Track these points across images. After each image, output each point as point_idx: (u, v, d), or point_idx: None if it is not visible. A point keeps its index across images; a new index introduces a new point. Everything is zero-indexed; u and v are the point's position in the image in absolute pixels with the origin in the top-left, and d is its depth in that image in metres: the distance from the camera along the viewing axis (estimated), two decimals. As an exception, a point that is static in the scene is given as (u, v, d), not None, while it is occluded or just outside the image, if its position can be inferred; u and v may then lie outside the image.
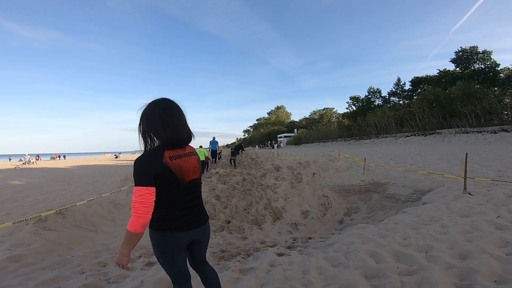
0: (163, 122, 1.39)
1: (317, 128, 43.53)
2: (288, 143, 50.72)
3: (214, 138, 16.92)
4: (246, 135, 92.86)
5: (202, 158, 12.98)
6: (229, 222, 5.88)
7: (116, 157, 50.26)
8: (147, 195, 1.32)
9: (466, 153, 4.64)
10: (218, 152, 16.80)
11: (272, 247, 4.09)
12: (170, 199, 1.42)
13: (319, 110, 67.44)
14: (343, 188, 7.26)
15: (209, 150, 17.06)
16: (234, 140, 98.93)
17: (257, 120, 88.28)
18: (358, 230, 3.43)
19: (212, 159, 16.75)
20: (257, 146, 56.19)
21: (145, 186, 1.31)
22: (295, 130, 56.16)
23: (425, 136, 20.25)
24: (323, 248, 3.37)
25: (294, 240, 4.55)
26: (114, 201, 6.72)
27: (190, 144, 1.59)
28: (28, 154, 30.90)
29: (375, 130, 28.29)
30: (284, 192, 7.08)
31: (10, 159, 41.11)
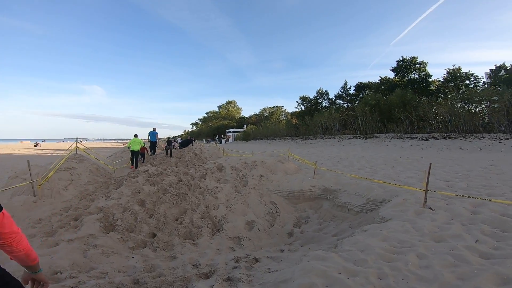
0: None
1: (266, 125, 43.54)
2: (236, 139, 49.85)
3: (154, 129, 15.77)
4: (194, 128, 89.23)
5: (137, 148, 11.95)
6: (154, 235, 4.53)
7: (35, 146, 42.50)
8: None
9: (430, 163, 4.19)
10: (171, 144, 15.79)
11: (206, 277, 2.97)
12: None
13: (269, 107, 68.10)
14: (293, 194, 6.49)
15: (148, 142, 15.64)
16: (181, 132, 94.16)
17: (206, 113, 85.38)
18: (318, 263, 2.51)
19: (151, 151, 15.48)
20: (204, 140, 54.00)
21: None
22: (245, 125, 55.58)
23: (366, 139, 21.40)
24: (273, 287, 2.41)
25: (236, 261, 3.53)
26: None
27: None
28: None
29: (320, 131, 29.19)
30: (226, 198, 5.96)
31: None
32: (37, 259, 1.29)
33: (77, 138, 8.06)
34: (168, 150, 15.30)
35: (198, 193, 6.02)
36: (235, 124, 67.02)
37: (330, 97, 41.20)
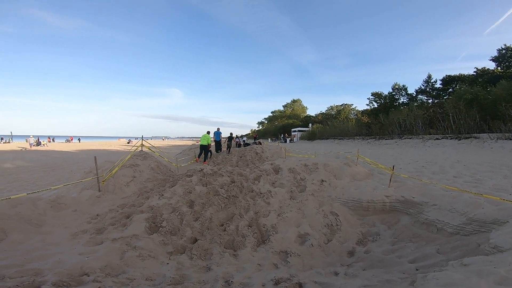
0: None
1: (333, 124, 40.94)
2: (301, 138, 48.44)
3: (218, 129, 16.43)
4: (261, 127, 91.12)
5: (204, 142, 13.31)
6: (195, 241, 4.17)
7: (128, 143, 50.07)
8: None
9: None
10: (231, 141, 17.16)
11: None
12: None
13: (337, 105, 64.20)
14: (360, 204, 5.34)
15: (213, 141, 16.37)
16: (248, 131, 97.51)
17: (272, 112, 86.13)
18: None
19: (216, 150, 16.22)
20: (269, 139, 54.30)
21: None
22: (310, 124, 53.64)
23: (459, 139, 17.56)
24: None
25: (275, 283, 2.86)
26: (57, 199, 5.15)
27: None
28: (32, 136, 30.52)
29: (398, 130, 25.57)
30: (279, 204, 5.26)
31: (26, 140, 41.61)
32: None
33: (142, 136, 8.54)
34: (228, 148, 16.05)
35: (250, 197, 5.48)
36: (300, 123, 65.51)
37: (409, 92, 36.07)
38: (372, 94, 40.54)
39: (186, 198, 5.26)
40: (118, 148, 31.52)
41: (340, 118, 48.34)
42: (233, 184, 6.00)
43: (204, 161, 13.72)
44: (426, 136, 21.41)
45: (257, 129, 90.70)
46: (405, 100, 36.13)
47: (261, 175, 6.45)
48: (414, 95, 35.35)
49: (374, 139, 27.29)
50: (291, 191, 5.83)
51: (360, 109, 52.65)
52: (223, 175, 6.48)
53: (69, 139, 52.02)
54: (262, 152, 15.30)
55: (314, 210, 5.18)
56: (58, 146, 34.17)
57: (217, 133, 16.30)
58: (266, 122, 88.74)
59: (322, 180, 6.20)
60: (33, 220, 4.28)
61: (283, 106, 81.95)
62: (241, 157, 14.56)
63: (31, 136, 29.84)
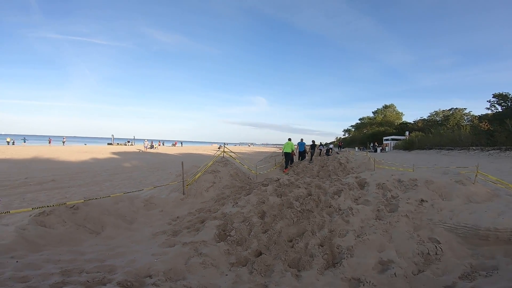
0: None
1: (439, 132, 34.43)
2: (395, 147, 42.64)
3: (301, 139, 16.84)
4: (347, 135, 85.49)
5: (288, 150, 13.65)
6: (259, 254, 3.88)
7: (219, 148, 55.41)
8: None
9: None
10: (314, 149, 17.40)
11: None
12: None
13: (443, 110, 53.98)
14: (476, 231, 4.00)
15: (297, 150, 16.73)
16: (333, 139, 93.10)
17: (359, 119, 79.64)
18: None
19: (299, 159, 16.64)
20: (356, 148, 50.16)
21: None
22: (407, 132, 46.82)
23: None
24: None
25: None
26: (150, 199, 5.82)
27: None
28: (147, 140, 37.27)
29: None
30: (360, 224, 4.46)
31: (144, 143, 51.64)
32: None
33: (224, 143, 8.98)
34: (311, 155, 16.09)
35: (326, 212, 4.87)
36: (394, 130, 58.06)
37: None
38: (495, 96, 32.39)
39: (258, 208, 5.08)
40: (209, 153, 35.04)
41: (448, 125, 40.43)
42: (309, 197, 5.50)
43: (286, 168, 13.91)
44: None
45: (343, 136, 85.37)
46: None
47: (342, 189, 5.70)
48: None
49: (497, 151, 21.39)
50: (378, 209, 4.88)
51: (476, 114, 42.83)
52: (299, 187, 6.06)
53: (174, 143, 61.76)
54: (347, 162, 14.03)
55: (405, 234, 4.16)
56: (166, 149, 40.91)
57: (301, 144, 16.76)
58: (353, 129, 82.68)
59: (422, 200, 4.98)
60: (127, 217, 4.90)
61: (373, 112, 74.72)
62: (322, 167, 13.72)
63: (146, 140, 36.67)
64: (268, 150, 55.60)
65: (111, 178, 11.05)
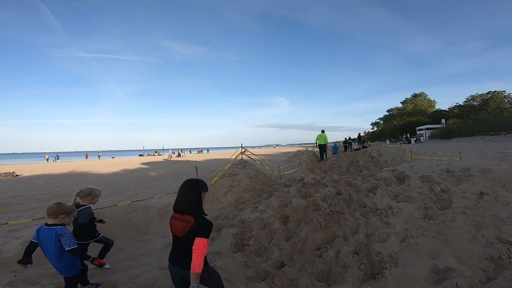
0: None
1: (479, 117, 31.38)
2: (431, 137, 39.49)
3: (335, 144, 18.28)
4: (375, 128, 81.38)
5: (322, 142, 13.78)
6: (282, 266, 3.27)
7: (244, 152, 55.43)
8: None
9: None
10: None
11: None
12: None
13: (481, 94, 49.41)
14: None
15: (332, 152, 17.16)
16: (362, 134, 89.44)
17: (387, 111, 75.46)
18: None
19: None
20: (387, 141, 47.37)
21: None
22: (443, 120, 43.25)
23: None
24: None
25: None
26: (165, 207, 5.48)
27: None
28: (171, 150, 38.61)
29: None
30: (404, 225, 3.69)
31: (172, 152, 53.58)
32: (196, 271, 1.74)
33: (241, 144, 8.50)
34: (345, 149, 17.36)
35: (360, 213, 4.13)
36: (427, 119, 54.14)
37: None
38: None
39: (280, 212, 4.48)
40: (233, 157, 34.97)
41: (489, 109, 36.80)
42: (339, 196, 4.77)
43: (322, 159, 13.87)
44: None
45: (371, 130, 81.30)
46: None
47: (377, 186, 4.90)
48: None
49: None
50: (425, 207, 4.05)
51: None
52: (327, 185, 5.35)
53: (199, 151, 63.06)
54: (379, 155, 12.88)
55: (466, 236, 3.32)
56: (192, 156, 41.83)
57: (335, 148, 17.33)
58: (381, 122, 78.54)
59: (481, 193, 4.07)
60: (140, 227, 4.55)
61: (401, 102, 70.46)
62: (352, 162, 12.71)
63: (170, 151, 38.01)
64: (292, 150, 54.49)
65: (135, 188, 11.06)
